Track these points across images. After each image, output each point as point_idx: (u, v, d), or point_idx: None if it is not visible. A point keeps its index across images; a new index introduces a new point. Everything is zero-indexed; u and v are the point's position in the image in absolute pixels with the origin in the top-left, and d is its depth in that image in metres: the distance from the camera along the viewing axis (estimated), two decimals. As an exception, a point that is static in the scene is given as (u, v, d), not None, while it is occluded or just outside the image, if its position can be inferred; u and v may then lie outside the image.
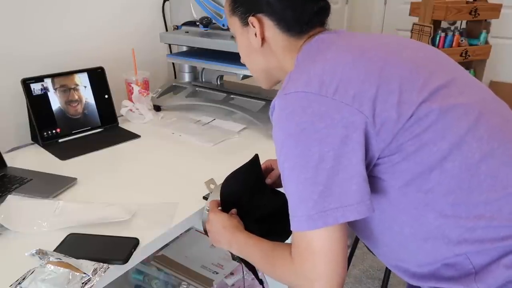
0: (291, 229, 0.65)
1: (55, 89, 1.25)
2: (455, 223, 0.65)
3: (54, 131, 1.25)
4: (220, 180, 0.94)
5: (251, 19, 0.77)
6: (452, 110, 0.65)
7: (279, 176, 0.98)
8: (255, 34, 0.78)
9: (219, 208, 0.85)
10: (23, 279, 0.66)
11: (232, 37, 1.39)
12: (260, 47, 0.79)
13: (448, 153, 0.63)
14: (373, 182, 0.68)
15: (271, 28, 0.77)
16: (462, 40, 2.32)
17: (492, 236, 0.64)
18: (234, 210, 0.84)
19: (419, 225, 0.67)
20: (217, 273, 1.25)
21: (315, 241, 0.62)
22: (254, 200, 0.88)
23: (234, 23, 0.82)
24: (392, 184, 0.67)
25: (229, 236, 0.79)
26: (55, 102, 1.26)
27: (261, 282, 0.98)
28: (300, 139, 0.62)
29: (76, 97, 1.30)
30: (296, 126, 0.63)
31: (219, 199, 0.85)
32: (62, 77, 1.27)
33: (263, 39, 0.78)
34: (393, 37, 0.76)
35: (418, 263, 0.71)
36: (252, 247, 0.75)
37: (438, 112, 0.64)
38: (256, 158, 0.92)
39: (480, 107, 0.67)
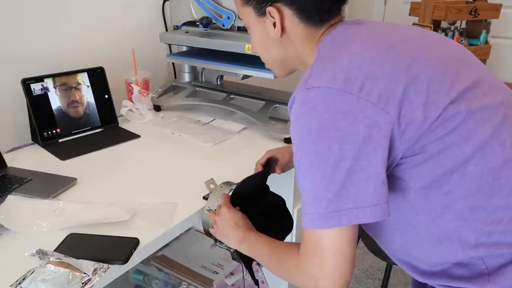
0: (302, 225, 0.63)
1: (55, 88, 1.25)
2: (472, 226, 0.64)
3: (54, 131, 1.25)
4: (220, 180, 0.94)
5: (270, 9, 0.73)
6: (478, 112, 0.63)
7: (286, 164, 1.00)
8: (274, 25, 0.74)
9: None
10: (23, 279, 0.66)
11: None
12: (279, 38, 0.76)
13: (471, 157, 0.62)
14: (392, 181, 0.66)
15: (290, 18, 0.74)
16: (462, 40, 2.32)
17: (509, 241, 0.64)
18: (237, 208, 0.85)
19: (435, 227, 0.66)
20: (217, 273, 1.24)
21: (324, 240, 0.61)
22: (257, 199, 0.90)
23: (247, 13, 0.78)
24: (411, 185, 0.65)
25: (240, 234, 0.79)
26: (55, 102, 1.25)
27: (256, 282, 0.98)
28: (321, 136, 0.61)
29: (78, 97, 1.30)
30: (318, 122, 0.61)
31: (230, 195, 0.87)
32: (63, 77, 1.27)
33: (282, 29, 0.75)
34: (417, 30, 0.74)
35: (430, 262, 0.70)
36: (261, 245, 0.75)
37: (465, 114, 0.62)
38: (269, 168, 0.95)
39: (504, 108, 0.66)
